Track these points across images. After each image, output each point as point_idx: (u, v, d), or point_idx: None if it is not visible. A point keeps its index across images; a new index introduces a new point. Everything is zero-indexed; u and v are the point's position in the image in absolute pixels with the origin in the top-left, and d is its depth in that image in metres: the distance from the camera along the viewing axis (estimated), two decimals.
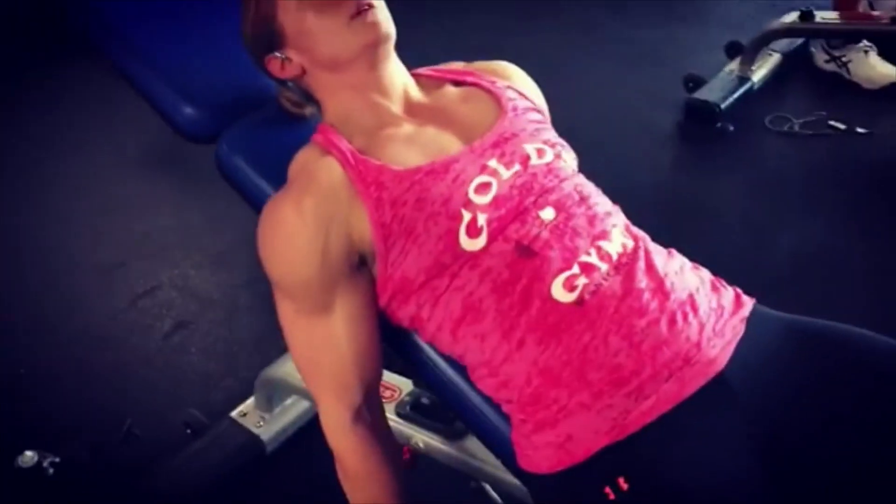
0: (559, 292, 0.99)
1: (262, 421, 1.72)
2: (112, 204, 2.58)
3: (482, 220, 1.02)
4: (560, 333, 0.98)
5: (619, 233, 1.06)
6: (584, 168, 1.17)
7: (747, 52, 2.87)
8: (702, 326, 1.01)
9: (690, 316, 1.01)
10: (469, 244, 1.01)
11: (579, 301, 0.99)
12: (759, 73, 2.89)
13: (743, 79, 2.85)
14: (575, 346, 0.98)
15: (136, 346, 2.03)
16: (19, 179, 2.68)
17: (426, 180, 1.04)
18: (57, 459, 1.47)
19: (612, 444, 0.96)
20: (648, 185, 2.52)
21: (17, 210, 2.55)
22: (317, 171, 1.07)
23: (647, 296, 1.00)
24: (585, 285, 0.99)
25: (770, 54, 2.98)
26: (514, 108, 1.16)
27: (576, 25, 3.49)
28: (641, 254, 1.05)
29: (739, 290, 1.11)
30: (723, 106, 2.72)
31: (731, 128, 2.69)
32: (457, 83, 1.21)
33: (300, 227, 1.03)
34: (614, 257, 1.03)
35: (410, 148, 1.09)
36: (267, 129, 1.23)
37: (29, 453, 1.44)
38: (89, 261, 2.35)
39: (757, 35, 2.89)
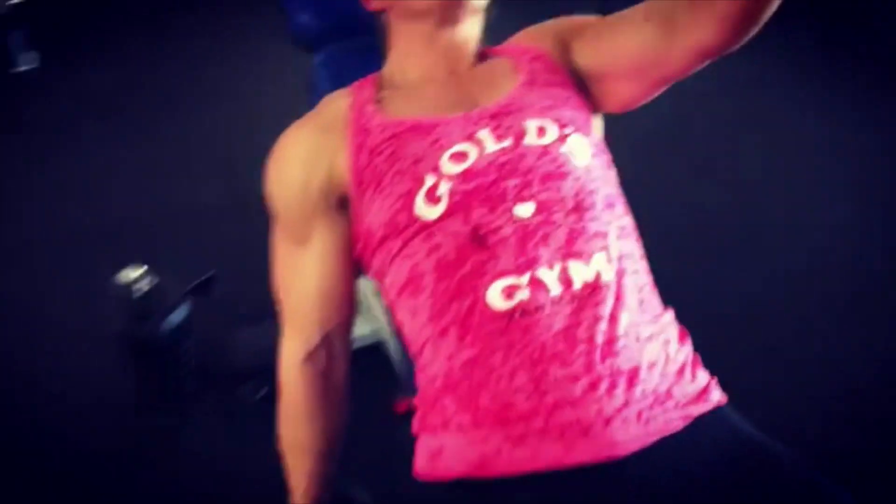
0: (494, 297, 0.92)
1: None
2: None
3: (444, 188, 0.97)
4: (478, 339, 0.93)
5: (601, 259, 0.95)
6: None
7: None
8: (624, 405, 0.90)
9: (619, 390, 0.90)
10: (425, 211, 0.97)
11: (509, 315, 0.92)
12: None
13: None
14: (482, 362, 0.92)
15: None
16: None
17: (406, 135, 1.01)
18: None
19: (471, 478, 0.91)
20: None
21: None
22: (327, 106, 1.10)
23: (582, 347, 0.90)
24: (523, 301, 0.91)
25: None
26: (532, 82, 1.07)
27: None
28: (611, 296, 0.93)
29: (714, 385, 0.98)
30: None
31: None
32: (500, 53, 1.15)
33: (291, 156, 1.07)
34: (576, 285, 0.92)
35: (416, 103, 1.07)
36: (358, 56, 1.26)
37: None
38: None
39: None
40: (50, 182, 2.46)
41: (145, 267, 1.65)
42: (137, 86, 2.79)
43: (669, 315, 1.02)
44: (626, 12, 1.06)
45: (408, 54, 1.13)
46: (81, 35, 2.94)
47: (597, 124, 1.12)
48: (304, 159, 1.06)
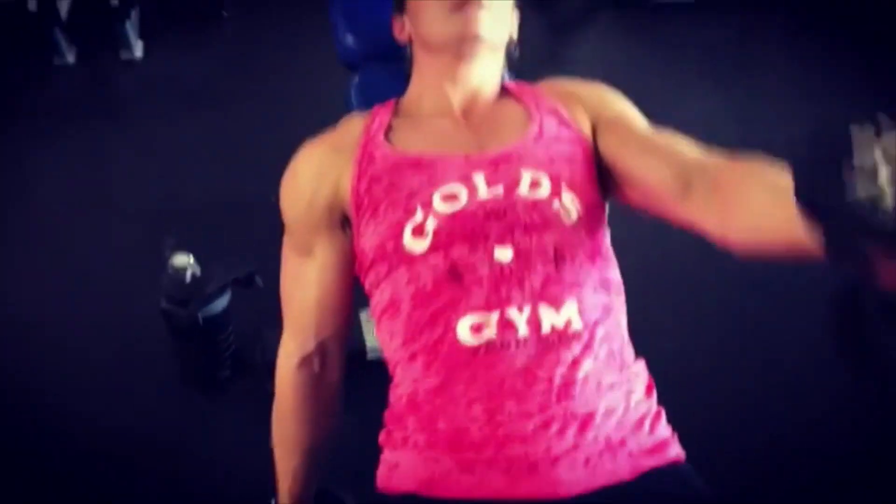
0: (464, 331, 0.97)
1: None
2: None
3: (431, 225, 1.02)
4: (443, 369, 0.98)
5: (572, 309, 0.98)
6: None
7: None
8: (574, 448, 0.93)
9: (570, 432, 0.93)
10: (411, 243, 1.02)
11: (475, 350, 0.96)
12: None
13: None
14: (445, 390, 0.97)
15: None
16: None
17: (406, 168, 1.06)
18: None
19: (420, 495, 0.95)
20: None
21: None
22: (343, 127, 1.17)
23: (539, 386, 0.94)
24: (490, 339, 0.96)
25: None
26: (539, 134, 1.10)
27: None
28: (578, 343, 0.96)
29: (673, 440, 0.99)
30: None
31: None
32: (519, 99, 1.18)
33: (302, 172, 1.14)
34: (545, 328, 0.96)
35: (424, 138, 1.12)
36: (392, 80, 1.32)
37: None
38: None
39: None
40: (131, 164, 2.61)
41: (192, 256, 1.74)
42: (227, 79, 2.92)
43: (640, 365, 1.03)
44: (661, 140, 1.06)
45: (425, 85, 1.19)
46: (182, 26, 3.09)
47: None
48: (313, 176, 1.12)
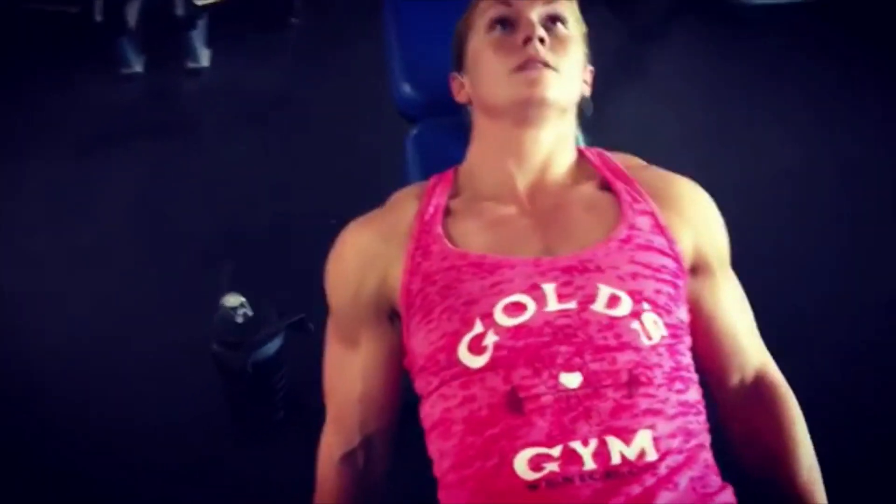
0: (521, 466, 0.85)
1: None
2: None
3: (491, 339, 0.90)
4: (492, 502, 0.86)
5: (646, 439, 0.85)
6: None
7: None
8: None
9: None
10: (467, 358, 0.91)
11: (534, 485, 0.84)
12: None
13: None
14: None
15: None
16: None
17: (465, 271, 0.94)
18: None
19: None
20: None
21: None
22: (395, 208, 1.05)
23: None
24: (552, 473, 0.84)
25: None
26: (627, 239, 0.96)
27: None
28: (653, 479, 0.84)
29: None
30: None
31: None
32: (606, 184, 1.05)
33: (349, 257, 1.04)
34: (615, 460, 0.83)
35: (486, 232, 0.99)
36: (452, 134, 1.21)
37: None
38: None
39: None
40: (191, 174, 2.55)
41: (243, 299, 1.66)
42: (293, 88, 2.85)
43: (728, 493, 0.90)
44: (739, 326, 1.08)
45: (486, 157, 1.07)
46: (250, 34, 3.03)
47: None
48: (360, 264, 1.02)
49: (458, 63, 1.12)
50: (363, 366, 1.04)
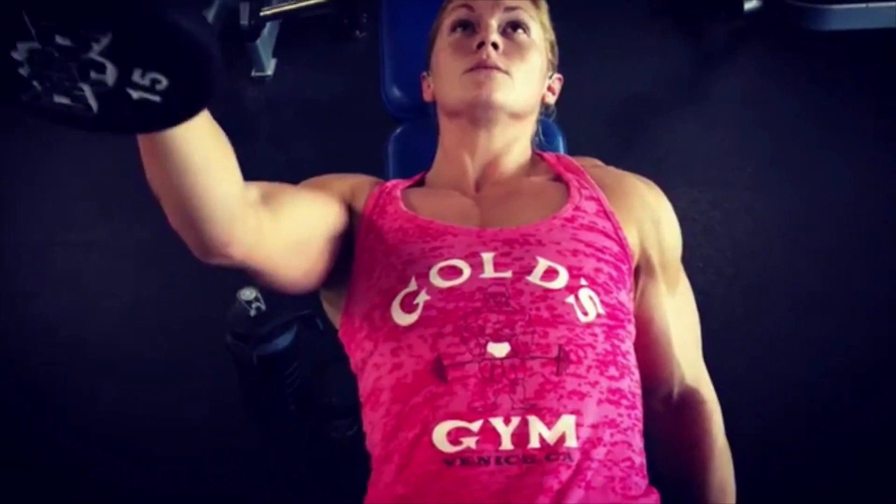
0: (440, 439, 0.85)
1: None
2: None
3: (422, 299, 0.91)
4: (413, 477, 0.86)
5: (569, 425, 0.83)
6: None
7: None
8: None
9: None
10: (398, 315, 0.92)
11: (449, 461, 0.84)
12: None
13: None
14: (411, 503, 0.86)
15: None
16: None
17: (411, 233, 0.97)
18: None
19: None
20: None
21: None
22: (363, 176, 1.11)
23: None
24: (468, 450, 0.83)
25: None
26: (571, 218, 0.97)
27: None
28: (568, 471, 0.82)
29: None
30: None
31: None
32: (559, 177, 1.05)
33: (331, 177, 1.09)
34: (532, 444, 0.82)
35: (439, 203, 1.03)
36: (431, 135, 1.23)
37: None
38: None
39: None
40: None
41: (258, 293, 1.71)
42: (354, 100, 2.91)
43: (652, 499, 0.88)
44: (675, 338, 1.07)
45: (446, 149, 1.10)
46: (316, 45, 3.12)
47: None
48: (326, 178, 1.08)
49: (427, 63, 1.15)
50: (300, 195, 1.00)
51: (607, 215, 1.01)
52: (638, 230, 1.02)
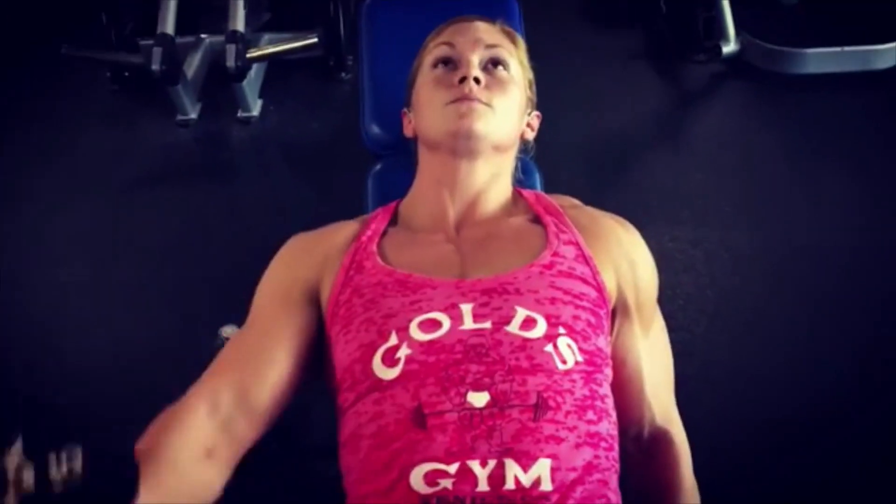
0: (417, 481, 0.86)
1: None
2: None
3: (403, 353, 0.91)
4: None
5: (545, 468, 0.84)
6: None
7: None
8: None
9: None
10: (380, 370, 0.93)
11: (425, 502, 0.85)
12: None
13: None
14: None
15: None
16: None
17: (390, 287, 0.97)
18: None
19: None
20: None
21: None
22: (337, 228, 1.12)
23: None
24: (444, 490, 0.84)
25: None
26: (549, 265, 0.98)
27: None
28: None
29: None
30: None
31: None
32: (538, 218, 1.06)
33: (290, 255, 1.10)
34: (508, 486, 0.83)
35: (415, 255, 1.03)
36: (410, 171, 1.24)
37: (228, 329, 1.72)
38: None
39: None
40: (229, 219, 2.65)
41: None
42: (338, 143, 2.93)
43: None
44: (648, 379, 1.08)
45: (425, 185, 1.11)
46: (302, 86, 3.15)
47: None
48: (299, 263, 1.08)
49: (408, 100, 1.17)
50: (268, 345, 1.00)
51: (586, 260, 1.02)
52: (615, 272, 1.04)
